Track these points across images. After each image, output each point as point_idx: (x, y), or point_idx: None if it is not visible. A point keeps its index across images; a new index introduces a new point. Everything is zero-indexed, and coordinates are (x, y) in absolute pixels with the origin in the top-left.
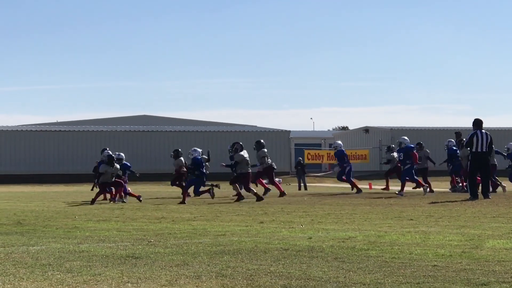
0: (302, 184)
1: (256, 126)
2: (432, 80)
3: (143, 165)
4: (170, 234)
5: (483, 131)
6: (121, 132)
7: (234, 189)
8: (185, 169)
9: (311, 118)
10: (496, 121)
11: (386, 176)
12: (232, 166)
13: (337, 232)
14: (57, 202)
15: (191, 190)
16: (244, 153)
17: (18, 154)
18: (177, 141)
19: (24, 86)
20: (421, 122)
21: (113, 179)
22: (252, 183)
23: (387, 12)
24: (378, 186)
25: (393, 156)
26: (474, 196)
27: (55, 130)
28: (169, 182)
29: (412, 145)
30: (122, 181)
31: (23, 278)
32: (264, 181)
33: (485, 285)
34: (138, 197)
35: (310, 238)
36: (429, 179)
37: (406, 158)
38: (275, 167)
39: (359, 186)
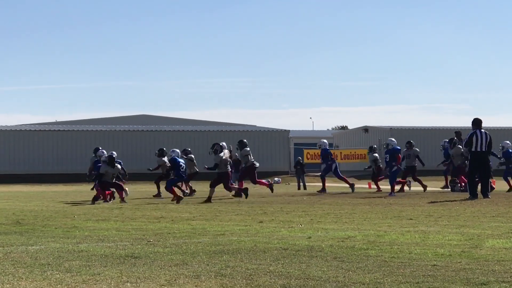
0: (301, 184)
1: (255, 126)
2: (432, 80)
3: (143, 164)
4: (169, 233)
5: (482, 130)
6: (121, 132)
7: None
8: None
9: (311, 118)
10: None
11: (374, 179)
12: (214, 168)
13: (336, 232)
14: (56, 201)
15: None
16: (224, 154)
17: (17, 153)
18: (177, 140)
19: (23, 85)
20: (421, 122)
21: (114, 180)
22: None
23: (386, 12)
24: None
25: (376, 156)
26: (473, 196)
27: (55, 130)
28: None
29: (399, 147)
30: (122, 183)
31: (22, 278)
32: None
33: (485, 284)
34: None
35: (310, 237)
36: (426, 178)
37: (392, 160)
38: (257, 165)
39: (358, 185)
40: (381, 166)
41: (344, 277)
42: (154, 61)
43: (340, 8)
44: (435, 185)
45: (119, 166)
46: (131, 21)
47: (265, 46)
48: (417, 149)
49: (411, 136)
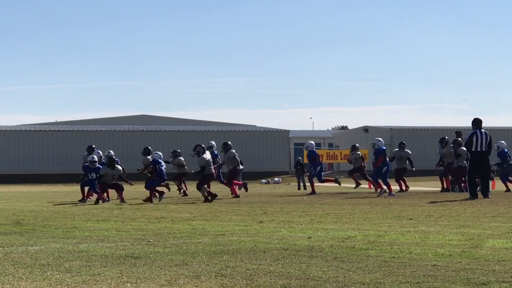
0: (301, 184)
1: (255, 126)
2: (432, 80)
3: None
4: (170, 234)
5: (482, 130)
6: (120, 132)
7: (230, 189)
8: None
9: (311, 118)
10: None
11: (364, 176)
12: (202, 171)
13: (336, 232)
14: (56, 201)
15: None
16: (206, 155)
17: (17, 154)
18: (177, 141)
19: (24, 85)
20: (421, 122)
21: (113, 181)
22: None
23: (386, 12)
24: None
25: (359, 155)
26: (473, 196)
27: (55, 130)
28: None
29: (384, 147)
30: (122, 185)
31: (22, 278)
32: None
33: (485, 284)
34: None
35: (310, 237)
36: (426, 178)
37: (376, 160)
38: (239, 169)
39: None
40: (363, 164)
41: (344, 277)
42: (154, 61)
43: (340, 8)
44: (435, 185)
45: (119, 167)
46: (131, 21)
47: (265, 46)
48: (409, 151)
49: (411, 136)
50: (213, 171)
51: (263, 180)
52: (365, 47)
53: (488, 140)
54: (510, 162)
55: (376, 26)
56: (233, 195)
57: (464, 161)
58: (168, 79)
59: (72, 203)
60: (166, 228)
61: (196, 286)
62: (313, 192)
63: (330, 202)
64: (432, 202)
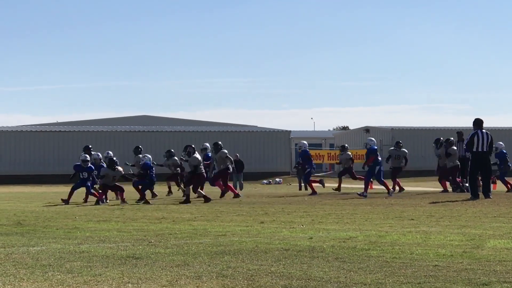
0: (302, 184)
1: (256, 126)
2: (433, 80)
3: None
4: (171, 234)
5: (483, 131)
6: (122, 133)
7: (219, 188)
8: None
9: (312, 118)
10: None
11: (353, 176)
12: (195, 171)
13: (338, 232)
14: (57, 202)
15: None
16: (197, 155)
17: (18, 154)
18: (178, 141)
19: (24, 86)
20: (422, 122)
21: (114, 183)
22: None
23: (387, 12)
24: (378, 186)
25: (349, 155)
26: (475, 196)
27: (55, 131)
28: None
29: (376, 147)
30: (122, 186)
31: (24, 279)
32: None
33: (486, 285)
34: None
35: (311, 238)
36: (428, 178)
37: (367, 159)
38: (231, 169)
39: (360, 186)
40: (352, 165)
41: (345, 277)
42: (154, 62)
43: (340, 8)
44: (436, 186)
45: (120, 168)
46: (132, 21)
47: (266, 46)
48: (406, 150)
49: (412, 136)
50: (203, 172)
51: (264, 181)
52: (366, 47)
53: (489, 140)
54: (509, 163)
55: (376, 26)
56: (233, 195)
57: (457, 161)
58: (169, 79)
59: (72, 203)
60: (167, 228)
61: (197, 286)
62: (313, 192)
63: (331, 202)
64: (433, 203)
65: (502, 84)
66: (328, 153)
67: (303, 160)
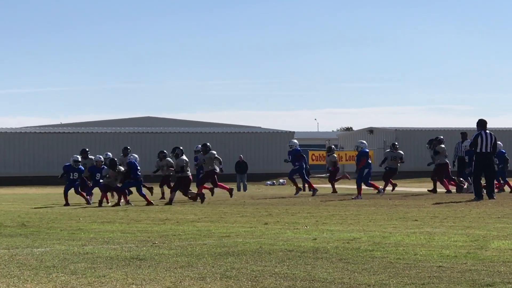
0: (306, 186)
1: (260, 127)
2: (437, 81)
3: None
4: (175, 235)
5: (487, 131)
6: (126, 134)
7: (188, 195)
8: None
9: (316, 119)
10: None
11: (331, 180)
12: (181, 171)
13: (341, 233)
14: (61, 204)
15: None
16: (184, 157)
17: (22, 156)
18: (182, 142)
19: (28, 88)
20: (426, 123)
21: (117, 184)
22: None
23: (390, 13)
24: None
25: (335, 157)
26: (478, 197)
27: (59, 132)
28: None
29: (367, 150)
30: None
31: (28, 280)
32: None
33: (490, 285)
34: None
35: (315, 239)
36: (428, 179)
37: (358, 162)
38: (217, 170)
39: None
40: (338, 167)
41: (349, 278)
42: (158, 63)
43: (344, 9)
44: (439, 187)
45: (122, 168)
46: (136, 23)
47: (269, 47)
48: (401, 152)
49: (416, 137)
50: (189, 174)
51: (268, 182)
52: (370, 48)
53: (493, 141)
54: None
55: (380, 27)
56: (226, 189)
57: (445, 158)
58: (172, 80)
59: (76, 204)
60: (171, 230)
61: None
62: (297, 190)
63: (335, 203)
64: (437, 203)
65: (507, 86)
66: None
67: (293, 159)
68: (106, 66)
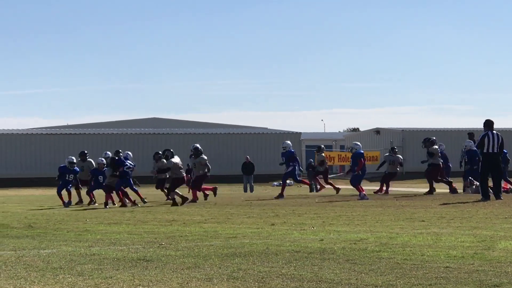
0: (313, 186)
1: (267, 128)
2: (444, 81)
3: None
4: (181, 236)
5: (494, 132)
6: (132, 135)
7: (172, 196)
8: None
9: (322, 120)
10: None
11: (325, 179)
12: (162, 172)
13: (348, 234)
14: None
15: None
16: (175, 159)
17: (28, 157)
18: (188, 143)
19: (34, 89)
20: (433, 123)
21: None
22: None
23: (396, 13)
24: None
25: (323, 157)
26: (485, 197)
27: (66, 133)
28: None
29: (362, 151)
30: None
31: (35, 282)
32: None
33: (498, 286)
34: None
35: (322, 240)
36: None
37: (354, 164)
38: (208, 175)
39: (370, 187)
40: (327, 167)
41: (356, 279)
42: (165, 64)
43: (350, 10)
44: (445, 187)
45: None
46: (142, 24)
47: (276, 48)
48: (401, 157)
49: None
50: (184, 175)
51: (275, 183)
52: (376, 48)
53: (500, 141)
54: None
55: (386, 27)
56: (192, 199)
57: (439, 159)
58: (179, 81)
59: (77, 205)
60: (178, 231)
61: None
62: (280, 195)
63: (342, 204)
64: (444, 204)
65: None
66: (338, 155)
67: (287, 160)
68: (113, 67)
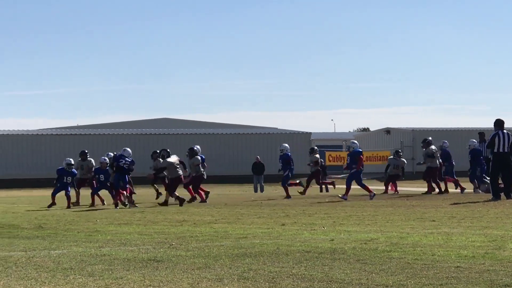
0: (323, 186)
1: (277, 128)
2: (455, 81)
3: None
4: (192, 237)
5: (504, 131)
6: (142, 135)
7: (174, 196)
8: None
9: (332, 120)
10: None
11: (317, 180)
12: (158, 172)
13: (359, 234)
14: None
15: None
16: (172, 158)
17: (39, 158)
18: (198, 143)
19: (44, 89)
20: (443, 123)
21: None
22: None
23: (407, 12)
24: (400, 188)
25: (316, 158)
26: (496, 197)
27: (76, 134)
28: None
29: (360, 149)
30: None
31: (45, 282)
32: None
33: (508, 286)
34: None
35: (332, 240)
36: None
37: (352, 162)
38: (205, 177)
39: (380, 187)
40: (319, 169)
41: (367, 279)
42: (174, 64)
43: (359, 9)
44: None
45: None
46: (153, 24)
47: (286, 47)
48: (405, 161)
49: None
50: (181, 174)
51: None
52: (386, 48)
53: (510, 140)
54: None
55: (397, 27)
56: (202, 199)
57: (435, 161)
58: (189, 81)
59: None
60: (188, 231)
61: None
62: (287, 196)
63: (353, 204)
64: (454, 204)
65: None
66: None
67: (283, 164)
68: (123, 67)
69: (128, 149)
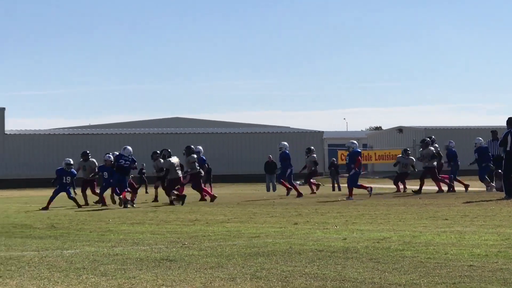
0: (336, 185)
1: (289, 127)
2: (468, 79)
3: None
4: (204, 236)
5: None
6: (154, 135)
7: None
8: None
9: (344, 119)
10: None
11: (308, 181)
12: (161, 172)
13: (371, 233)
14: (90, 205)
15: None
16: (173, 159)
17: (51, 158)
18: (210, 143)
19: (56, 89)
20: (456, 122)
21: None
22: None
23: (419, 11)
24: (410, 186)
25: (314, 157)
26: (509, 195)
27: (88, 133)
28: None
29: (359, 150)
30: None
31: (58, 282)
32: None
33: None
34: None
35: (345, 239)
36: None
37: (351, 162)
38: (202, 173)
39: (392, 186)
40: (313, 169)
41: (380, 278)
42: (186, 63)
43: (372, 8)
44: (473, 186)
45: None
46: (163, 24)
47: (298, 47)
48: (413, 158)
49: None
50: (180, 175)
51: (298, 182)
52: (399, 47)
53: None
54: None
55: (408, 26)
56: (212, 198)
57: (434, 162)
58: (200, 81)
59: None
60: (201, 230)
61: None
62: (288, 193)
63: (365, 203)
64: (467, 202)
65: None
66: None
67: (281, 162)
68: (134, 67)
69: (129, 148)
